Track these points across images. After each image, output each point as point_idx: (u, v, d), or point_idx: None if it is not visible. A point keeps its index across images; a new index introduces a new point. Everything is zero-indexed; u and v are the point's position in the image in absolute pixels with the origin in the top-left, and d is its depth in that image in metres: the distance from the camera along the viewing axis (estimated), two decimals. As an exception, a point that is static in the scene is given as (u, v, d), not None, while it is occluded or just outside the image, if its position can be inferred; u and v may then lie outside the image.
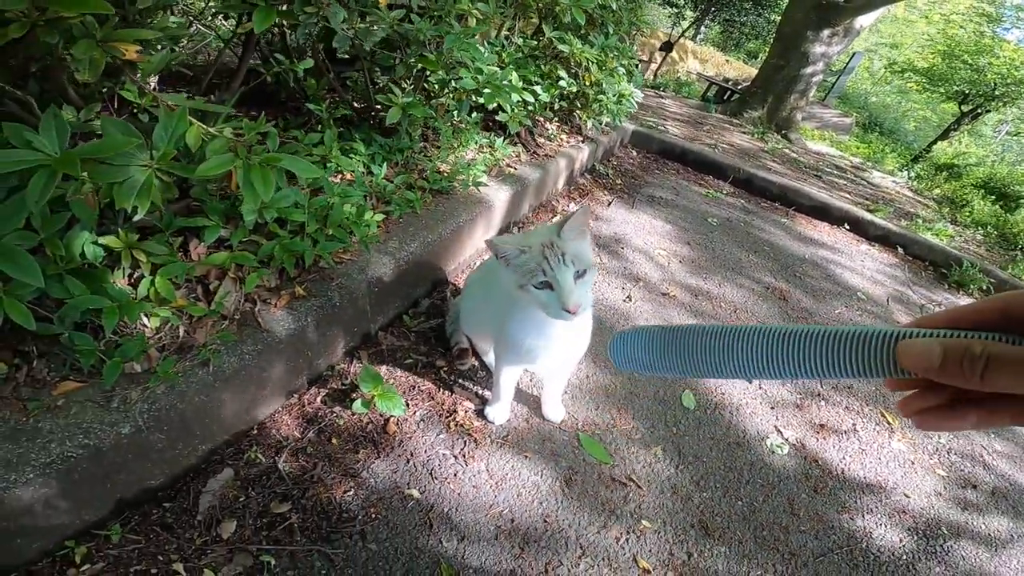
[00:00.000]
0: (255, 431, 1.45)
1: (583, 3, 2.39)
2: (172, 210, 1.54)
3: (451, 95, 2.16)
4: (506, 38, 2.74)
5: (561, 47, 2.58)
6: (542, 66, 2.85)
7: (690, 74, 11.27)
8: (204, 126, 1.20)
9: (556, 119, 3.45)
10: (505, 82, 2.09)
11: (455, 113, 2.63)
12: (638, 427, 1.81)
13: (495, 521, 1.40)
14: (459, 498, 1.43)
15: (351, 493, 1.37)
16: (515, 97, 2.58)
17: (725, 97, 8.57)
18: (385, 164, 2.20)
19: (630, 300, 2.46)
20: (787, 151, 5.98)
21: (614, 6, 2.90)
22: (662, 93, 7.83)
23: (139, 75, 1.21)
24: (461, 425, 1.62)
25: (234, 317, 1.44)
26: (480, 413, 1.67)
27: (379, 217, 1.84)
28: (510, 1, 2.43)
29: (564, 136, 3.47)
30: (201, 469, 1.33)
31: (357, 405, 1.47)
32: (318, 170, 1.22)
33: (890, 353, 0.34)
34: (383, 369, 1.74)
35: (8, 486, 0.99)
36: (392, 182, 2.11)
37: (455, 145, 2.58)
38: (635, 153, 4.47)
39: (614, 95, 3.05)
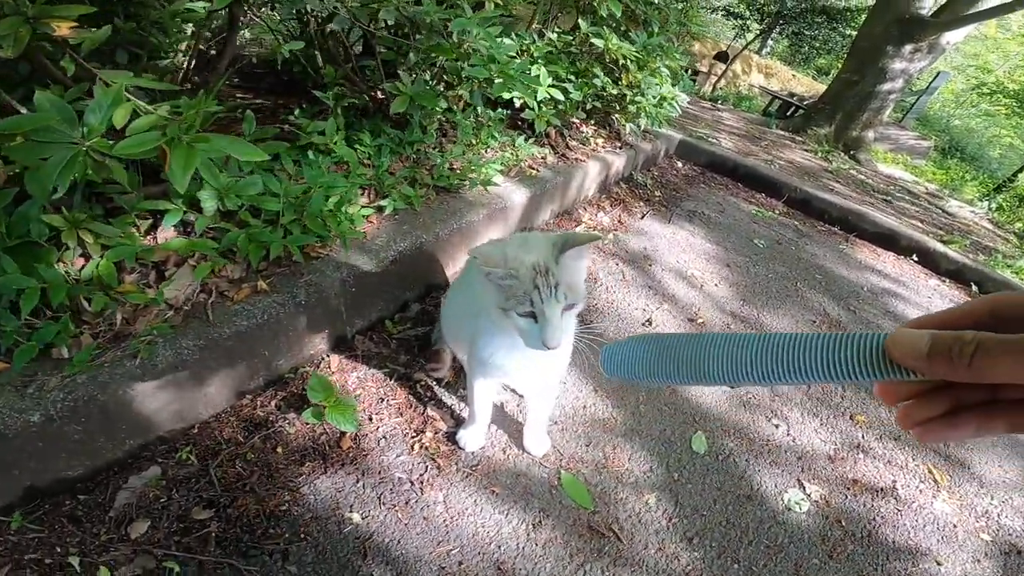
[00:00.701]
0: (196, 430, 1.33)
1: (619, -7, 2.18)
2: (148, 193, 1.46)
3: (465, 86, 1.99)
4: (538, 32, 2.56)
5: (595, 41, 2.37)
6: (578, 63, 2.65)
7: (752, 88, 10.66)
8: (143, 104, 1.09)
9: (593, 122, 3.24)
10: (523, 73, 1.90)
11: (477, 108, 2.48)
12: (633, 469, 1.57)
13: (440, 560, 1.21)
14: (405, 529, 1.26)
15: (284, 508, 1.23)
16: (541, 93, 2.40)
17: (789, 112, 8.01)
18: (389, 156, 2.07)
19: (649, 324, 2.21)
20: (854, 172, 5.46)
21: (658, 1, 2.66)
22: (719, 106, 7.41)
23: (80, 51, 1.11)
24: (427, 448, 1.44)
25: (182, 308, 1.33)
26: (452, 436, 1.49)
27: (367, 212, 1.70)
28: None
29: (600, 140, 3.24)
30: (127, 464, 1.23)
31: (308, 414, 1.32)
32: (260, 153, 1.09)
33: (879, 350, 0.34)
34: (353, 377, 1.59)
35: None
36: (394, 175, 1.97)
37: (474, 142, 2.42)
38: (680, 165, 4.16)
39: (654, 97, 2.79)
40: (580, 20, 2.47)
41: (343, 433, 1.40)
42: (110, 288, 1.25)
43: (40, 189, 1.12)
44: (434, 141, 2.35)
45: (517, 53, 2.40)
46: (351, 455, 1.37)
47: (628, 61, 2.50)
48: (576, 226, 2.79)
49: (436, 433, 1.49)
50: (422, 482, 1.36)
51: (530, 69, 2.36)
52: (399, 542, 1.23)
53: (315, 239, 1.50)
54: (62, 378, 1.10)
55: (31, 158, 1.04)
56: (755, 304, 2.57)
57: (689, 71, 3.46)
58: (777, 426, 1.89)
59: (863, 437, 1.94)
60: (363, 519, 1.25)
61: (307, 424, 1.39)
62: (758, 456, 1.74)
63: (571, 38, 2.59)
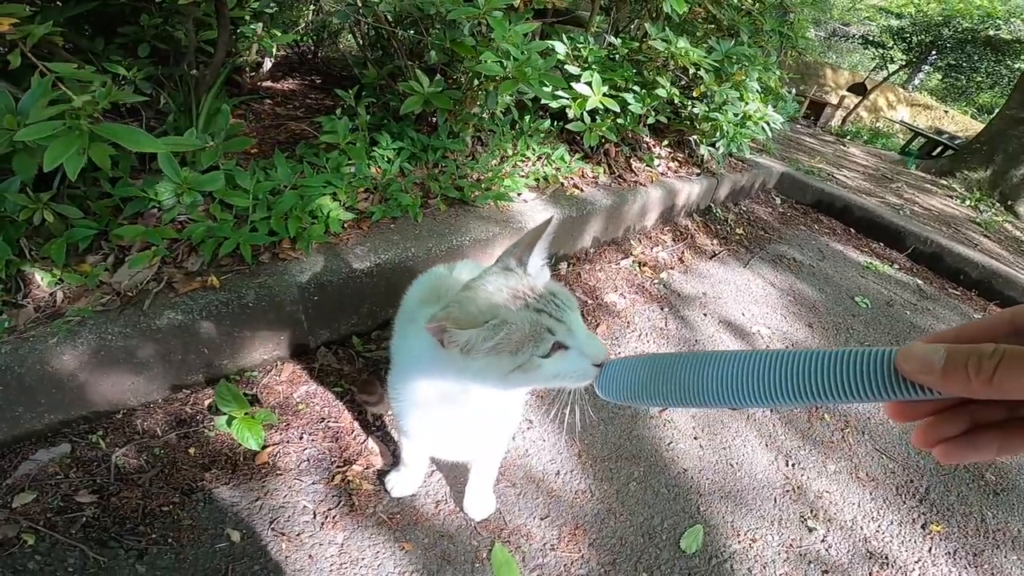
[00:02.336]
0: (120, 415, 1.29)
1: (684, -10, 1.85)
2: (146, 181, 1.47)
3: (486, 85, 1.81)
4: (595, 34, 2.30)
5: (656, 44, 2.06)
6: (645, 72, 2.34)
7: (891, 123, 9.14)
8: (69, 93, 1.06)
9: (667, 142, 2.88)
10: (549, 73, 1.66)
11: (528, 119, 2.28)
12: (590, 559, 1.24)
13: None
14: (283, 562, 1.10)
15: (167, 509, 1.14)
16: (593, 103, 2.14)
17: (934, 152, 6.71)
18: (407, 161, 1.95)
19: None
20: (1008, 226, 4.35)
21: (746, 4, 2.26)
22: (846, 141, 6.41)
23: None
24: (349, 481, 1.26)
25: (126, 294, 1.29)
26: (383, 475, 1.29)
27: (345, 216, 1.57)
28: None
29: (675, 164, 2.87)
30: (45, 437, 1.22)
31: (221, 422, 1.22)
32: (157, 144, 1.00)
33: (890, 367, 0.32)
34: (301, 391, 1.46)
35: None
36: (404, 181, 1.85)
37: (509, 152, 2.23)
38: (778, 201, 3.58)
39: (736, 115, 2.38)
40: (648, 25, 2.17)
41: (264, 448, 1.27)
42: (62, 267, 1.25)
43: (23, 169, 1.16)
44: (468, 149, 2.20)
45: (569, 57, 2.17)
46: (263, 471, 1.24)
47: (701, 70, 2.14)
48: (623, 259, 2.46)
49: (367, 468, 1.31)
50: (327, 517, 1.18)
51: (579, 74, 2.13)
52: (269, 573, 1.08)
53: (264, 240, 1.41)
54: (-15, 347, 1.10)
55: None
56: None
57: (793, 90, 2.94)
58: (812, 529, 1.44)
59: (941, 557, 1.41)
60: (242, 539, 1.12)
61: (225, 431, 1.28)
62: (766, 566, 1.31)
63: (637, 44, 2.29)
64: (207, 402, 1.36)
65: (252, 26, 2.11)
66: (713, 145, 2.64)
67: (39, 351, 1.13)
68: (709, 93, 2.24)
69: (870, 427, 1.84)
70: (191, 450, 1.26)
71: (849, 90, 8.28)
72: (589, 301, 2.14)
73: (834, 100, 7.94)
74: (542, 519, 1.31)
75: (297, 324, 1.49)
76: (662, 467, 1.51)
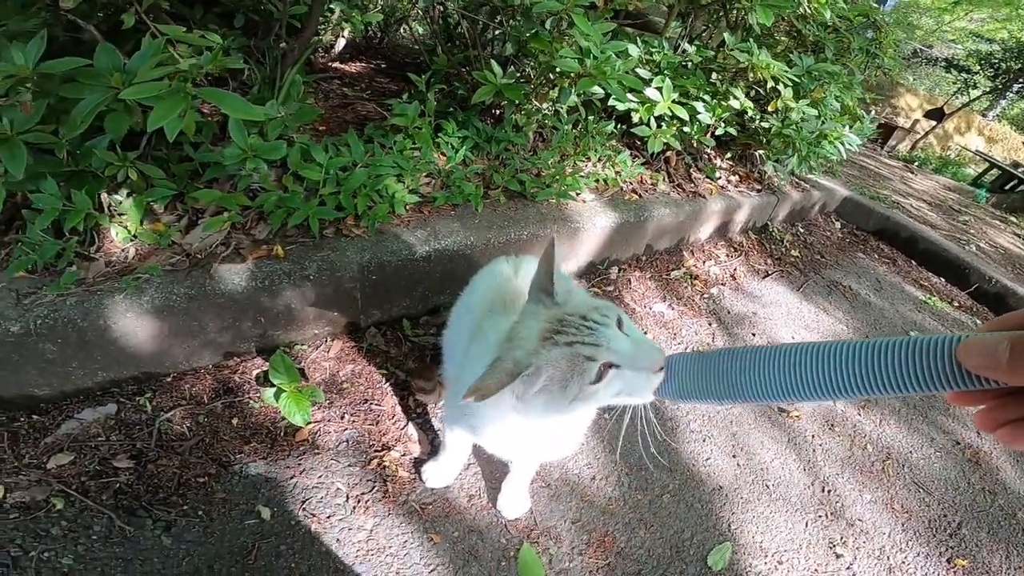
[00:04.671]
0: (171, 378, 1.30)
1: (774, 2, 1.77)
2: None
3: (560, 82, 1.77)
4: (668, 39, 2.24)
5: (737, 55, 1.98)
6: (718, 82, 2.27)
7: (964, 151, 8.63)
8: (176, 55, 1.08)
9: (729, 155, 2.79)
10: (627, 75, 1.62)
11: (592, 119, 2.24)
12: (616, 568, 1.21)
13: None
14: (310, 544, 1.09)
15: (202, 480, 1.14)
16: (661, 109, 2.08)
17: (1007, 186, 6.32)
18: (471, 150, 1.94)
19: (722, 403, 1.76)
20: None
21: (833, 21, 2.15)
22: (913, 168, 6.10)
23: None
24: (385, 467, 1.25)
25: (196, 256, 1.31)
26: (419, 464, 1.28)
27: (410, 199, 1.57)
28: None
29: (736, 178, 2.78)
30: (93, 395, 1.23)
31: (268, 394, 1.22)
32: (254, 112, 1.01)
33: (952, 359, 0.31)
34: (348, 369, 1.46)
35: None
36: (466, 169, 1.83)
37: (571, 151, 2.19)
38: (838, 225, 3.43)
39: (811, 133, 2.28)
40: (726, 34, 2.10)
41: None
42: (138, 224, 1.28)
43: (115, 127, 1.19)
44: (529, 144, 2.17)
45: (640, 61, 2.12)
46: (302, 449, 1.24)
47: (780, 84, 2.05)
48: (674, 269, 2.39)
49: (404, 455, 1.30)
50: (359, 501, 1.18)
51: (651, 79, 2.07)
52: (295, 555, 1.07)
53: (333, 215, 1.41)
54: (56, 297, 1.13)
55: (72, 96, 1.10)
56: (874, 413, 1.93)
57: (871, 111, 2.80)
58: (840, 555, 1.39)
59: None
60: (272, 517, 1.11)
61: (271, 404, 1.29)
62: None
63: (713, 53, 2.22)
64: (255, 372, 1.37)
65: (332, 5, 2.13)
66: (779, 162, 2.55)
67: (104, 306, 1.15)
68: (785, 108, 2.15)
69: (912, 460, 1.78)
70: (234, 420, 1.26)
71: (925, 115, 7.86)
72: (638, 309, 2.09)
73: (905, 123, 7.56)
74: (573, 523, 1.28)
75: (352, 302, 1.49)
76: (697, 482, 1.47)
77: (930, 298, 2.91)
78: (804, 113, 2.17)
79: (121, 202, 1.31)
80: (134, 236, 1.29)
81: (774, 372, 0.39)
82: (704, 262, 2.54)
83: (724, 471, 1.53)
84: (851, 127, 2.42)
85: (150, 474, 1.11)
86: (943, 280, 3.15)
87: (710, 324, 2.14)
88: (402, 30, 3.19)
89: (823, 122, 2.26)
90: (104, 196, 1.32)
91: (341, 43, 2.62)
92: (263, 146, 1.31)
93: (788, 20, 2.16)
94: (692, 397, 0.50)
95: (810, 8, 1.99)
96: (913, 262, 3.26)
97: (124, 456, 1.12)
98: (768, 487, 1.52)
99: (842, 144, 2.35)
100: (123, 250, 1.29)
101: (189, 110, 1.11)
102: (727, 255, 2.66)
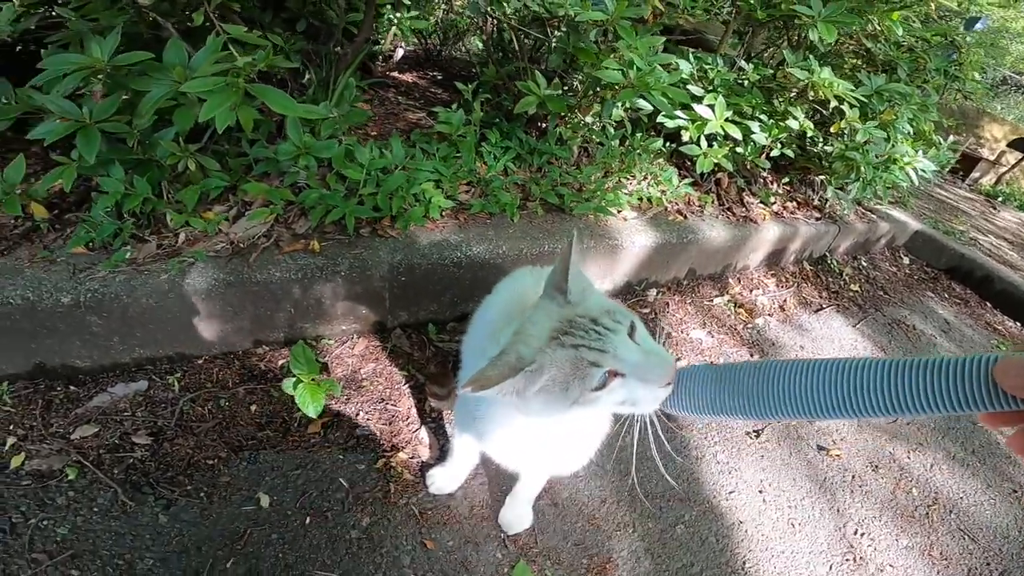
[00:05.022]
0: (202, 360, 1.36)
1: (838, 19, 1.68)
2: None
3: (604, 94, 1.75)
4: (724, 57, 2.17)
5: (795, 72, 1.89)
6: (776, 101, 2.17)
7: None
8: (236, 53, 1.15)
9: (787, 180, 2.65)
10: (673, 88, 1.58)
11: (639, 136, 2.20)
12: None
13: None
14: (302, 535, 1.10)
15: (212, 463, 1.17)
16: (713, 127, 2.02)
17: None
18: (512, 160, 1.94)
19: (757, 437, 1.65)
20: None
21: (906, 40, 2.01)
22: (996, 203, 5.57)
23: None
24: (392, 468, 1.25)
25: (239, 245, 1.38)
26: (426, 468, 1.27)
27: (446, 204, 1.58)
28: (727, 6, 1.87)
29: (792, 204, 2.64)
30: (128, 371, 1.30)
31: (287, 384, 1.24)
32: (299, 109, 1.05)
33: (988, 379, 0.30)
34: (369, 367, 1.48)
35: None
36: (505, 179, 1.84)
37: (615, 167, 2.15)
38: (906, 261, 3.18)
39: (878, 157, 2.14)
40: (787, 52, 2.01)
41: (319, 415, 1.30)
42: (191, 212, 1.36)
43: (182, 120, 1.29)
44: (573, 158, 2.16)
45: (693, 77, 2.07)
46: (311, 441, 1.26)
47: (844, 104, 1.94)
48: (717, 296, 2.29)
49: (412, 458, 1.29)
50: (357, 499, 1.17)
51: (703, 96, 2.01)
52: (285, 544, 1.07)
53: (370, 214, 1.44)
54: (108, 273, 1.21)
55: (140, 88, 1.19)
56: (927, 455, 1.74)
57: (950, 138, 2.59)
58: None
59: None
60: (270, 505, 1.13)
61: (289, 393, 1.32)
62: None
63: (771, 71, 2.13)
64: (281, 362, 1.41)
65: (390, 16, 2.22)
66: (843, 188, 2.39)
67: (149, 285, 1.21)
68: (849, 130, 2.03)
69: (961, 506, 1.62)
70: (253, 407, 1.30)
71: (1010, 145, 7.20)
72: (673, 334, 2.01)
73: (990, 155, 6.95)
74: (576, 545, 1.22)
75: (380, 301, 1.52)
76: (716, 515, 1.38)
77: (1003, 343, 2.62)
78: (871, 135, 2.03)
79: (179, 190, 1.40)
80: (186, 223, 1.37)
81: (802, 388, 0.37)
82: (751, 291, 2.42)
83: (748, 505, 1.43)
84: (925, 153, 2.24)
85: (164, 452, 1.15)
86: (1019, 325, 2.84)
87: (751, 354, 2.02)
88: (460, 44, 3.27)
89: (892, 146, 2.10)
90: (164, 184, 1.42)
91: (400, 53, 2.72)
92: (316, 144, 1.37)
93: (857, 39, 2.04)
94: (704, 412, 0.48)
95: (881, 26, 1.87)
96: (988, 304, 2.96)
97: (144, 432, 1.17)
98: (794, 525, 1.41)
99: (913, 171, 2.18)
100: (174, 234, 1.37)
101: (246, 107, 1.18)
102: (777, 285, 2.52)
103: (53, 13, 1.35)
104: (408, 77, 2.91)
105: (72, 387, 1.22)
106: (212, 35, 1.20)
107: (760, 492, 1.47)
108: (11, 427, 1.12)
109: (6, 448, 1.08)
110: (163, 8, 1.39)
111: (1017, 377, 0.28)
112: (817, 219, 2.62)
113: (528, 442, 0.86)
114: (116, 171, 1.28)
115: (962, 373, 0.31)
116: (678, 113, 2.06)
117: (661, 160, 2.32)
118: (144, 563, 0.98)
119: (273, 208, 1.40)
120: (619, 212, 1.99)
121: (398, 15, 2.15)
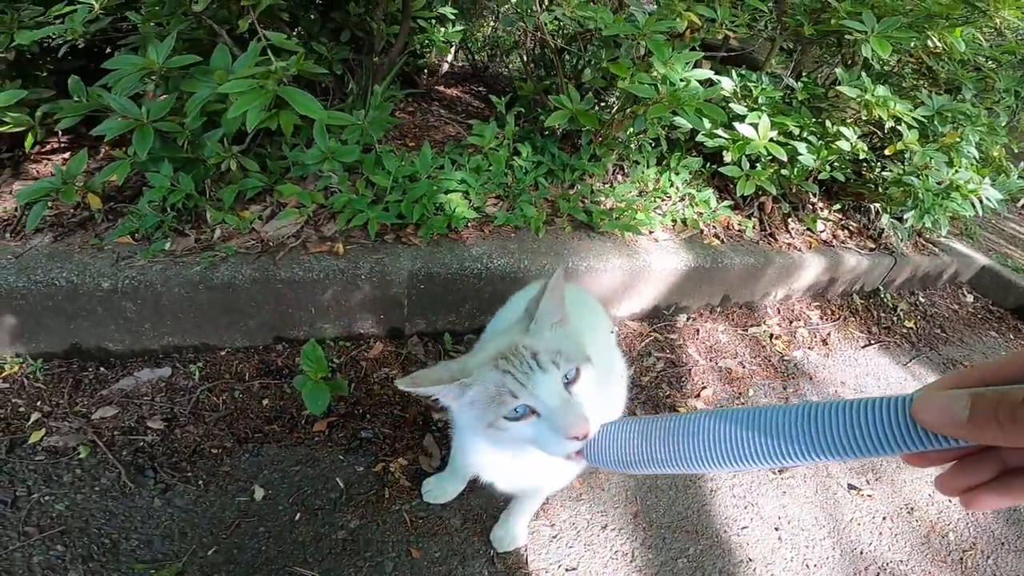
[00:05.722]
0: (224, 352, 1.42)
1: (893, 35, 1.58)
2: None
3: (637, 109, 1.71)
4: (769, 74, 2.09)
5: (845, 90, 1.78)
6: (827, 122, 2.06)
7: None
8: (274, 59, 1.21)
9: (839, 206, 2.51)
10: (707, 104, 1.53)
11: (677, 154, 2.15)
12: None
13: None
14: (289, 531, 1.10)
15: (216, 452, 1.21)
16: (755, 147, 1.94)
17: None
18: (543, 175, 1.93)
19: (780, 472, 1.54)
20: None
21: (970, 57, 1.86)
22: None
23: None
24: (390, 472, 1.25)
25: (268, 244, 1.43)
26: (424, 476, 1.26)
27: (470, 214, 1.60)
28: (772, 22, 1.80)
29: (844, 233, 2.49)
30: (156, 357, 1.37)
31: (297, 380, 1.27)
32: (322, 112, 1.09)
33: (907, 418, 0.30)
34: (382, 372, 1.49)
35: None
36: (535, 193, 1.83)
37: (650, 186, 2.11)
38: (970, 299, 2.92)
39: (938, 183, 1.98)
40: (839, 70, 1.91)
41: (326, 414, 1.32)
42: (228, 209, 1.44)
43: (228, 124, 1.37)
44: (606, 175, 2.13)
45: (736, 95, 2.00)
46: (316, 440, 1.28)
47: (901, 124, 1.81)
48: (753, 326, 2.18)
49: (411, 464, 1.29)
50: (349, 500, 1.18)
51: (746, 115, 1.94)
52: (271, 538, 1.09)
53: (394, 220, 1.47)
54: (147, 262, 1.29)
55: (188, 90, 1.27)
56: (975, 522, 1.56)
57: (1021, 163, 2.38)
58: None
59: None
60: (264, 499, 1.15)
61: (299, 390, 1.35)
62: None
63: (822, 90, 2.03)
64: (298, 360, 1.45)
65: (435, 34, 2.29)
66: (899, 218, 2.24)
67: (183, 276, 1.29)
68: (907, 153, 1.90)
69: (1000, 553, 1.50)
70: (265, 401, 1.34)
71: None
72: (701, 361, 1.92)
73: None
74: (568, 570, 1.18)
75: (398, 307, 1.54)
76: (723, 551, 1.29)
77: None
78: (930, 159, 1.89)
79: (221, 188, 1.48)
80: (223, 220, 1.44)
81: (725, 436, 0.37)
82: (791, 322, 2.29)
83: (760, 543, 1.34)
84: (994, 181, 2.06)
85: (174, 438, 1.20)
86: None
87: (785, 388, 1.91)
88: (506, 61, 3.33)
89: (955, 171, 1.95)
90: (207, 182, 1.50)
91: (445, 66, 2.79)
92: (340, 149, 1.42)
93: (917, 57, 1.92)
94: (629, 467, 0.47)
95: (943, 43, 1.75)
96: (1069, 354, 2.67)
97: (159, 417, 1.23)
98: (809, 566, 1.31)
99: (978, 200, 2.01)
100: (211, 230, 1.45)
101: (288, 112, 1.24)
102: (821, 317, 2.37)
103: (125, 16, 1.48)
104: (453, 91, 2.98)
105: (102, 369, 1.30)
106: (254, 41, 1.27)
107: (776, 529, 1.37)
108: (38, 403, 1.20)
109: (29, 423, 1.16)
110: (219, 15, 1.49)
111: (936, 413, 0.28)
112: (871, 250, 2.46)
113: (495, 455, 0.85)
114: (165, 168, 1.37)
115: (882, 413, 0.30)
116: (719, 132, 2.00)
117: (699, 181, 2.25)
118: (128, 543, 1.01)
119: (304, 210, 1.45)
120: (650, 232, 1.94)
121: (443, 29, 2.21)
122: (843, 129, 1.89)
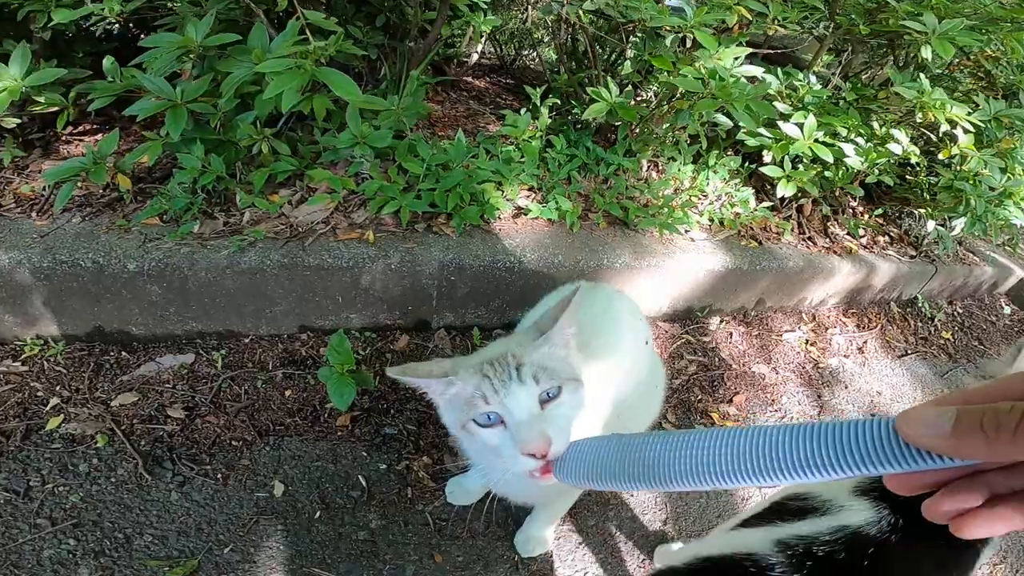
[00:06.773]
0: (248, 339, 1.38)
1: (957, 36, 1.49)
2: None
3: (679, 104, 1.64)
4: (816, 73, 2.00)
5: (901, 91, 1.70)
6: (876, 124, 1.97)
7: None
8: (311, 37, 1.17)
9: (880, 211, 2.42)
10: (756, 101, 1.46)
11: (716, 153, 2.07)
12: None
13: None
14: (308, 531, 1.07)
15: (236, 444, 1.17)
16: (799, 148, 1.86)
17: None
18: (576, 169, 1.87)
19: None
20: None
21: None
22: None
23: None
24: (414, 471, 1.20)
25: (297, 229, 1.39)
26: (446, 476, 1.21)
27: (503, 206, 1.54)
28: (822, 19, 1.72)
29: (885, 239, 2.40)
30: (179, 343, 1.33)
31: (322, 371, 1.23)
32: (359, 96, 1.05)
33: (889, 434, 0.29)
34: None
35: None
36: (569, 187, 1.77)
37: (686, 184, 2.04)
38: (1008, 311, 2.81)
39: (991, 189, 1.90)
40: (890, 70, 1.82)
41: (350, 408, 1.27)
42: (258, 193, 1.40)
43: (261, 106, 1.33)
44: (642, 171, 2.06)
45: (780, 94, 1.92)
46: (339, 435, 1.24)
47: (957, 128, 1.72)
48: (788, 331, 2.10)
49: (435, 464, 1.24)
50: (371, 499, 1.14)
51: (790, 114, 1.86)
52: (288, 536, 1.05)
53: (426, 208, 1.43)
54: (173, 245, 1.25)
55: (224, 70, 1.23)
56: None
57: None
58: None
59: None
60: (283, 495, 1.11)
61: (323, 382, 1.31)
62: None
63: (874, 92, 1.95)
64: (322, 350, 1.41)
65: (475, 19, 2.23)
66: (945, 224, 2.14)
67: (209, 259, 1.25)
68: (960, 158, 1.81)
69: None
70: (287, 392, 1.30)
71: None
72: (734, 366, 1.85)
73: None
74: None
75: (427, 299, 1.49)
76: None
77: None
78: (984, 165, 1.80)
79: (251, 172, 1.44)
80: (252, 203, 1.40)
81: (711, 455, 0.37)
82: (827, 329, 2.21)
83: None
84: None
85: (194, 428, 1.16)
86: None
87: (819, 396, 1.83)
88: (534, 54, 3.27)
89: (1009, 178, 1.86)
90: (238, 165, 1.46)
91: (475, 56, 2.73)
92: (372, 134, 1.37)
93: (974, 60, 1.82)
94: (602, 483, 0.47)
95: (1003, 46, 1.65)
96: (1115, 373, 2.56)
97: (180, 406, 1.19)
98: None
99: (1032, 208, 1.91)
100: (240, 213, 1.41)
101: (321, 96, 1.20)
102: (858, 326, 2.29)
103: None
104: (482, 83, 2.92)
105: (124, 353, 1.27)
106: (292, 20, 1.23)
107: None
108: (58, 388, 1.17)
109: (47, 409, 1.13)
110: (260, -5, 1.45)
111: (920, 425, 0.27)
112: (912, 257, 2.36)
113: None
114: (197, 149, 1.33)
115: (865, 429, 0.30)
116: (761, 131, 1.92)
117: (738, 180, 2.17)
118: (143, 539, 0.98)
119: (334, 196, 1.41)
120: (687, 231, 1.88)
121: (476, 19, 2.16)
122: (894, 131, 1.80)
